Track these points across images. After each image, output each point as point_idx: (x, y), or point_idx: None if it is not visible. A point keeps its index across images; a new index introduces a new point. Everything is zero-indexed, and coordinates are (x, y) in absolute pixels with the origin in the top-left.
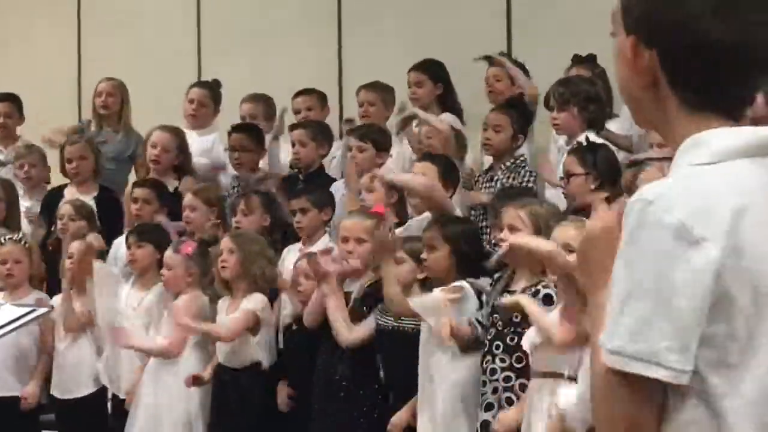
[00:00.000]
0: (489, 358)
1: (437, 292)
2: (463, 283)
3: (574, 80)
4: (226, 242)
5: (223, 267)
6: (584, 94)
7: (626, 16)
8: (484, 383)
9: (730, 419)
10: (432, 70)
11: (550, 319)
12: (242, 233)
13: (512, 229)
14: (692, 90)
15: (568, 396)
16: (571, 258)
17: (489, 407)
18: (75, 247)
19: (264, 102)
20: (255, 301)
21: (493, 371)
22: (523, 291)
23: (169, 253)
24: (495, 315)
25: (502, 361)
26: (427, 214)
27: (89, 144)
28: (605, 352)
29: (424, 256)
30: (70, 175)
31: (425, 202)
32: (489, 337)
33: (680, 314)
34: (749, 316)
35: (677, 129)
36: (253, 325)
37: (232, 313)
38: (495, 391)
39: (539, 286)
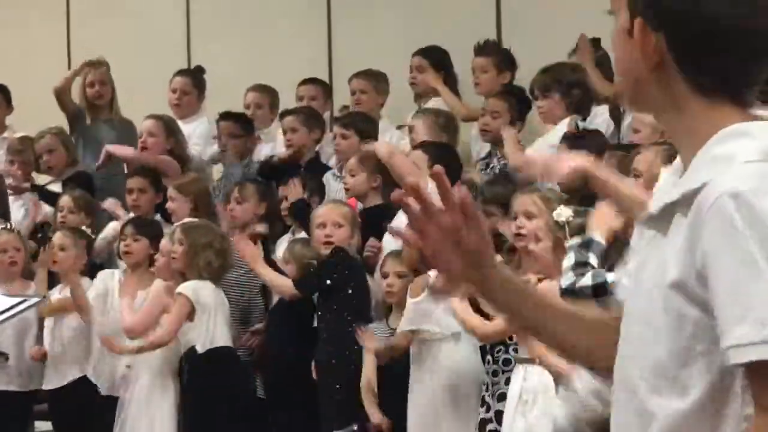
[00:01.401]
0: (501, 348)
1: None
2: None
3: (555, 67)
4: (177, 233)
5: (173, 258)
6: (566, 80)
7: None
8: (496, 373)
9: None
10: (435, 57)
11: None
12: (193, 225)
13: (528, 215)
14: (702, 74)
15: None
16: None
17: (502, 397)
18: (57, 238)
19: (269, 93)
20: (184, 288)
21: (507, 362)
22: None
23: (163, 241)
24: None
25: (516, 351)
26: None
27: (56, 135)
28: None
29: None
30: (44, 171)
31: None
32: None
33: None
34: None
35: (687, 111)
36: (189, 312)
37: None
38: (508, 381)
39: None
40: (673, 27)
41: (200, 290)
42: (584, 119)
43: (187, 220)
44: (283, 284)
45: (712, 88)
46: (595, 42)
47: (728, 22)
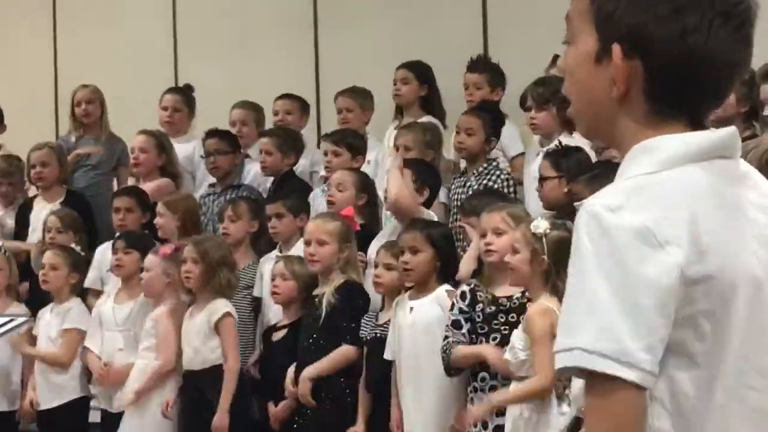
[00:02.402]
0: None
1: None
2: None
3: (552, 80)
4: (189, 251)
5: (186, 277)
6: (563, 94)
7: (606, 25)
8: (483, 379)
9: (698, 425)
10: (420, 71)
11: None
12: (205, 240)
13: (497, 232)
14: (667, 101)
15: None
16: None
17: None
18: (48, 257)
19: (254, 109)
20: (220, 306)
21: (483, 378)
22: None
23: (149, 257)
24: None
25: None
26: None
27: (53, 150)
28: (563, 355)
29: (405, 259)
30: (33, 180)
31: (392, 206)
32: (484, 332)
33: (647, 315)
34: (716, 320)
35: (637, 137)
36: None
37: (195, 318)
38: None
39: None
40: (654, 54)
41: (230, 308)
42: (571, 134)
43: (197, 236)
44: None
45: (673, 115)
46: None
47: (711, 51)
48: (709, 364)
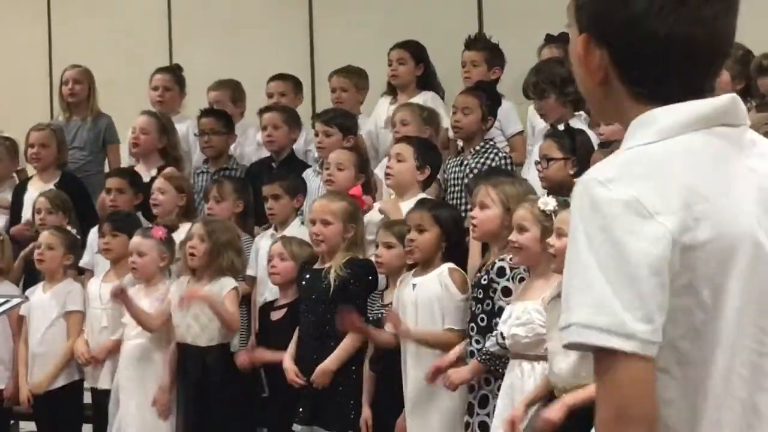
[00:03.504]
0: (467, 340)
1: None
2: None
3: (544, 67)
4: (197, 228)
5: (191, 254)
6: (558, 77)
7: (578, 14)
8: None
9: (703, 391)
10: (414, 50)
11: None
12: (214, 221)
13: (482, 206)
14: (644, 86)
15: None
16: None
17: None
18: (44, 237)
19: (231, 87)
20: (228, 282)
21: (471, 353)
22: (485, 267)
23: (138, 239)
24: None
25: (477, 342)
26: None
27: (54, 132)
28: (564, 332)
29: (411, 236)
30: (30, 161)
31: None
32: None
33: (640, 285)
34: (714, 287)
35: (631, 119)
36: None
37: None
38: (488, 382)
39: (496, 260)
40: (615, 41)
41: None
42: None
43: (207, 216)
44: None
45: (654, 99)
46: (564, 36)
47: (668, 32)
48: (711, 330)
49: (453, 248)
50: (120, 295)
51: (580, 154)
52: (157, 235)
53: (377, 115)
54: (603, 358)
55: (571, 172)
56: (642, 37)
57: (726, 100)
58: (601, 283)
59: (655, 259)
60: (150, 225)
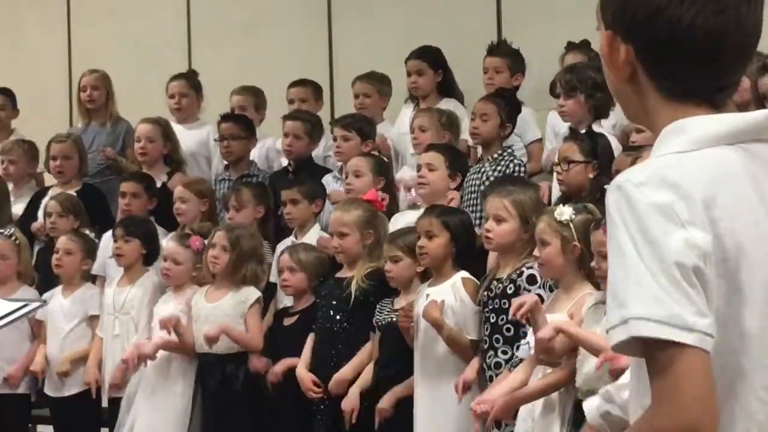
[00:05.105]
0: (491, 353)
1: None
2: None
3: (580, 67)
4: (220, 237)
5: (214, 263)
6: (591, 81)
7: (603, 12)
8: (491, 378)
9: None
10: (430, 57)
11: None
12: (237, 227)
13: (498, 219)
14: (671, 80)
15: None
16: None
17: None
18: (62, 242)
19: (254, 93)
20: (252, 293)
21: (498, 365)
22: (509, 277)
23: (175, 247)
24: (486, 310)
25: (504, 353)
26: None
27: (75, 144)
28: (619, 329)
29: (421, 243)
30: (53, 173)
31: None
32: (486, 333)
33: (684, 285)
34: (728, 303)
35: (659, 119)
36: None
37: (212, 302)
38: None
39: (524, 268)
40: (639, 35)
41: (259, 295)
42: (599, 121)
43: (230, 223)
44: None
45: (682, 94)
46: (585, 43)
47: (691, 23)
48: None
49: (463, 253)
50: (174, 326)
51: (601, 159)
52: (194, 246)
53: (401, 122)
54: (660, 353)
55: (591, 176)
56: (665, 28)
57: (761, 115)
58: (649, 280)
59: (691, 264)
60: (187, 232)
